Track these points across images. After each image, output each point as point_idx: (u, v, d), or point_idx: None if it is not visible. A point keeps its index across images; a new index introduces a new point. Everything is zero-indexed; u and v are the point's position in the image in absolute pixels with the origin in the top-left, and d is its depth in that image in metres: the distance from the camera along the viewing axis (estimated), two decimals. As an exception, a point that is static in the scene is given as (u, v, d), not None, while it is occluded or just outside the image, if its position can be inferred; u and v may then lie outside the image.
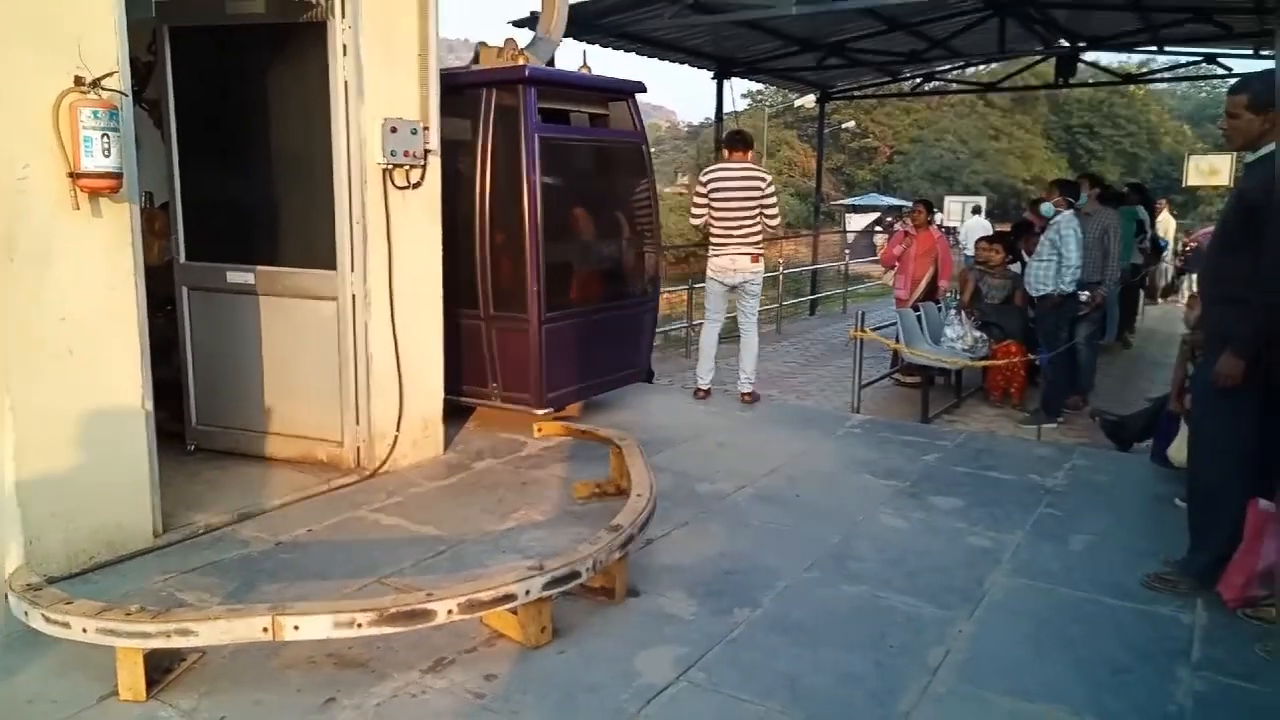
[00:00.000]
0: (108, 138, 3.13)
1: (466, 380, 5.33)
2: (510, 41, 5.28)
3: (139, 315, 3.44)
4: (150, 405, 3.51)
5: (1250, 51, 11.15)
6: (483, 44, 5.39)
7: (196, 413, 4.65)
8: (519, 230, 4.97)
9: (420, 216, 4.54)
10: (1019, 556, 3.71)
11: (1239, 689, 2.77)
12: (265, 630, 2.54)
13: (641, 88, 5.76)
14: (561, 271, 5.33)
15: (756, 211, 6.05)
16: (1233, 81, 3.52)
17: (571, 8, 8.15)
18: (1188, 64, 12.79)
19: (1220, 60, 11.97)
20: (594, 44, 9.66)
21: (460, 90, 5.06)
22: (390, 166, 4.31)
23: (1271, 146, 3.15)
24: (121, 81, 3.28)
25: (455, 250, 5.21)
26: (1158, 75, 15.90)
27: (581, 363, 5.42)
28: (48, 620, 2.61)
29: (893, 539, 3.87)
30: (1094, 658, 2.92)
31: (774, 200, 6.16)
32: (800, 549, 3.71)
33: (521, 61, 5.09)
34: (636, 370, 6.08)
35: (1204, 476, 3.42)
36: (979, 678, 2.79)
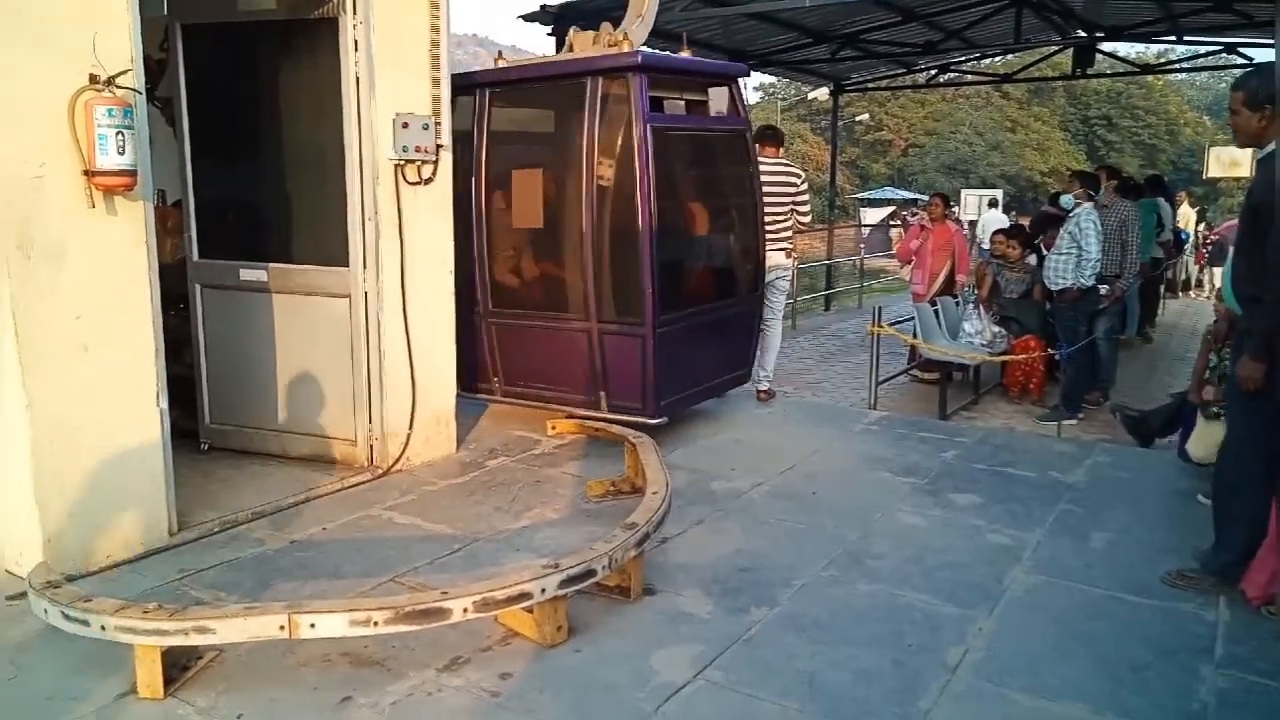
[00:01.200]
0: (122, 135, 3.13)
1: (571, 389, 5.08)
2: (606, 27, 5.05)
3: (154, 313, 3.45)
4: (165, 403, 3.52)
5: (1271, 41, 10.99)
6: (575, 30, 5.19)
7: (210, 411, 4.66)
8: (631, 229, 4.67)
9: (432, 212, 4.53)
10: (1039, 554, 3.67)
11: (1263, 687, 2.73)
12: (282, 628, 2.54)
13: (745, 72, 5.58)
14: (674, 271, 5.03)
15: (789, 208, 6.01)
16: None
17: (580, 1, 8.14)
18: (1207, 54, 12.64)
19: (1240, 50, 11.82)
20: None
21: (559, 80, 4.92)
22: (402, 162, 4.31)
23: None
24: (136, 79, 3.28)
25: (556, 254, 5.08)
26: (1176, 65, 15.74)
27: (693, 367, 5.15)
28: (67, 618, 2.62)
29: (911, 537, 3.83)
30: (1115, 655, 2.88)
31: (807, 197, 6.12)
32: (817, 547, 3.69)
33: (626, 47, 4.80)
34: (745, 371, 5.75)
35: (1229, 474, 3.37)
36: (999, 676, 2.76)
